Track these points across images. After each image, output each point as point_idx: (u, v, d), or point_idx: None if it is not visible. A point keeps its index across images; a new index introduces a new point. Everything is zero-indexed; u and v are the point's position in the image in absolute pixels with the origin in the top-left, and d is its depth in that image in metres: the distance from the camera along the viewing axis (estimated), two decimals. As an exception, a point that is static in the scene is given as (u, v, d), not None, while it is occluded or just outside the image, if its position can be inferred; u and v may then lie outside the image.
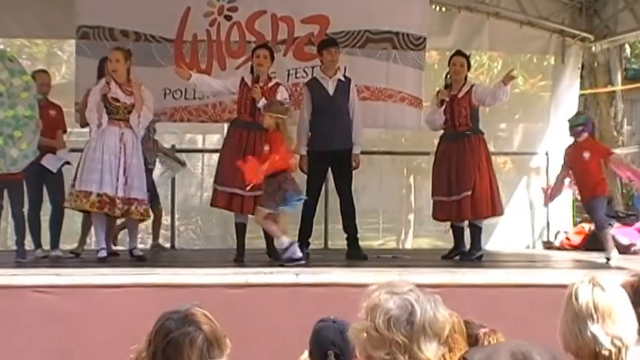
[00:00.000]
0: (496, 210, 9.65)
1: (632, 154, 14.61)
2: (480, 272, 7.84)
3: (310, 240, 9.77)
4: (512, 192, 12.40)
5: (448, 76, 9.83)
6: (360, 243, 9.78)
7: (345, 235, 9.71)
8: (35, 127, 8.77)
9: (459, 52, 9.92)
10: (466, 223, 9.72)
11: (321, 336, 4.00)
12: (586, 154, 9.18)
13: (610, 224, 9.62)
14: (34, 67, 10.85)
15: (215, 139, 14.74)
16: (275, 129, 8.57)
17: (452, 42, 11.88)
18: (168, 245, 11.48)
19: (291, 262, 8.26)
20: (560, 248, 11.64)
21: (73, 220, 10.49)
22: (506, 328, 3.91)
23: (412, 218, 17.55)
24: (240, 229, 9.29)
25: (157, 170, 10.68)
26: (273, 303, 6.90)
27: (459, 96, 9.59)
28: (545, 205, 10.73)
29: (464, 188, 9.42)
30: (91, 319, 6.74)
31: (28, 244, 9.40)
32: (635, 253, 10.40)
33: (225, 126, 11.30)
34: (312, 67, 11.03)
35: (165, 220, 11.77)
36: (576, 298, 3.18)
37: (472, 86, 9.72)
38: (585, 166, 9.19)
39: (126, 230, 9.93)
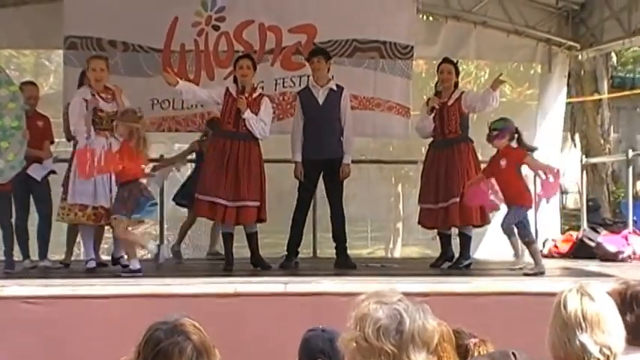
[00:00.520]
0: (485, 218, 9.65)
1: (619, 161, 14.66)
2: (469, 281, 7.85)
3: (299, 249, 9.77)
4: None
5: (438, 84, 9.86)
6: (349, 251, 9.78)
7: (334, 244, 9.72)
8: (22, 138, 8.75)
9: (446, 60, 9.94)
10: (455, 231, 9.73)
11: (311, 345, 4.01)
12: (502, 162, 8.72)
13: (531, 236, 8.92)
14: (21, 78, 10.87)
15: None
16: (128, 138, 8.56)
17: (439, 51, 11.89)
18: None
19: (129, 272, 8.34)
20: (549, 256, 11.65)
21: (62, 231, 10.46)
22: (494, 337, 3.92)
23: (400, 226, 17.59)
24: (228, 238, 9.28)
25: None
26: (262, 312, 6.90)
27: (449, 103, 9.60)
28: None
29: (451, 195, 9.40)
30: (80, 330, 6.72)
31: (17, 254, 9.37)
32: (622, 260, 10.41)
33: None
34: (300, 77, 11.06)
35: (154, 229, 11.75)
36: (565, 307, 3.19)
37: (462, 93, 9.73)
38: (502, 175, 8.75)
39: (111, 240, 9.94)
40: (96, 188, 8.77)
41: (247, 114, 9.05)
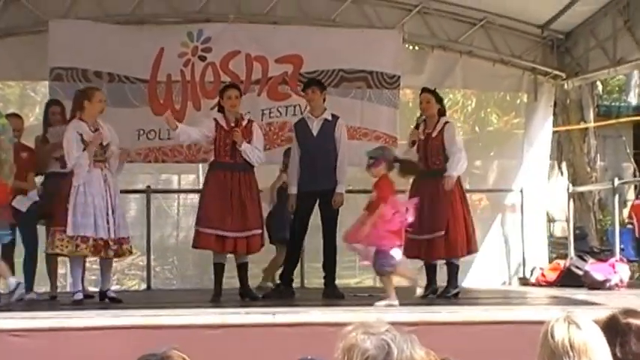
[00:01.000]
0: (471, 248, 9.65)
1: (605, 189, 14.69)
2: (457, 310, 7.83)
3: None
4: (488, 229, 12.41)
5: (422, 116, 9.84)
6: (337, 281, 9.78)
7: (324, 274, 9.70)
8: (9, 172, 8.71)
9: (424, 90, 9.91)
10: (442, 261, 9.71)
11: (299, 376, 3.99)
12: (374, 194, 8.31)
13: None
14: (6, 109, 10.78)
15: (191, 179, 14.70)
16: None
17: (425, 80, 11.90)
18: None
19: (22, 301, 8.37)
20: (536, 284, 11.66)
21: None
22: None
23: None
24: (219, 269, 9.29)
25: None
26: (250, 343, 6.87)
27: (433, 135, 9.58)
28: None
29: (436, 228, 9.38)
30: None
31: (2, 286, 9.31)
32: (610, 288, 10.41)
33: (201, 166, 11.28)
34: (287, 107, 11.11)
35: (141, 260, 11.71)
36: (552, 336, 3.19)
37: (446, 124, 9.67)
38: (372, 209, 8.23)
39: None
40: (96, 221, 8.75)
41: (244, 146, 9.09)
